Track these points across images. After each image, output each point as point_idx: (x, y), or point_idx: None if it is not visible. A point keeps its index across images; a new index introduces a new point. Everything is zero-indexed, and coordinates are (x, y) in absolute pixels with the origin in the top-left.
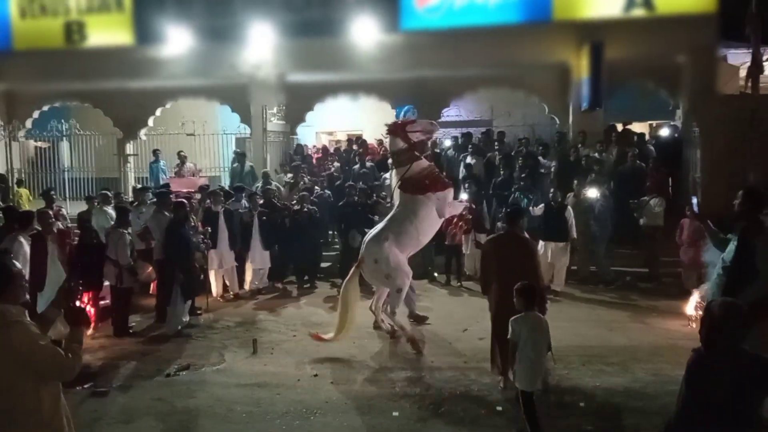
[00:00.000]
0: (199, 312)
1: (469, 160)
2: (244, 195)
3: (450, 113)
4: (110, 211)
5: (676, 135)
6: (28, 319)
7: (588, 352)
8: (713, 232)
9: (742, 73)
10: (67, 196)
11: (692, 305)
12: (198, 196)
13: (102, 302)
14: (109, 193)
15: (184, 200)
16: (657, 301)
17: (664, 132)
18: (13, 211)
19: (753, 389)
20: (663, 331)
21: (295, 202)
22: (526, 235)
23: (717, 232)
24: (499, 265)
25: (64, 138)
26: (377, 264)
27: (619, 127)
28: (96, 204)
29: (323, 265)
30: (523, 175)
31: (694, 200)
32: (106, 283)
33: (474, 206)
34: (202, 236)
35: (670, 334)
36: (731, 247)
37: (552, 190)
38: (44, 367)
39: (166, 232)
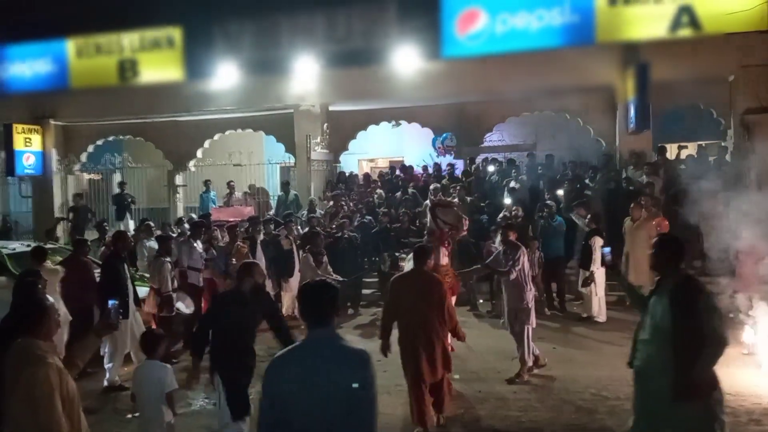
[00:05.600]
0: None
1: (513, 184)
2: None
3: (492, 138)
4: (152, 243)
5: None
6: (57, 358)
7: None
8: (629, 288)
9: None
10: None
11: (748, 333)
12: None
13: None
14: (151, 224)
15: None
16: None
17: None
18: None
19: None
20: (721, 360)
21: (334, 228)
22: (434, 274)
23: (634, 288)
24: (401, 305)
25: (117, 170)
26: None
27: (672, 148)
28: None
29: (365, 291)
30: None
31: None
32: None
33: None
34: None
35: (729, 364)
36: (662, 307)
37: (588, 216)
38: (29, 420)
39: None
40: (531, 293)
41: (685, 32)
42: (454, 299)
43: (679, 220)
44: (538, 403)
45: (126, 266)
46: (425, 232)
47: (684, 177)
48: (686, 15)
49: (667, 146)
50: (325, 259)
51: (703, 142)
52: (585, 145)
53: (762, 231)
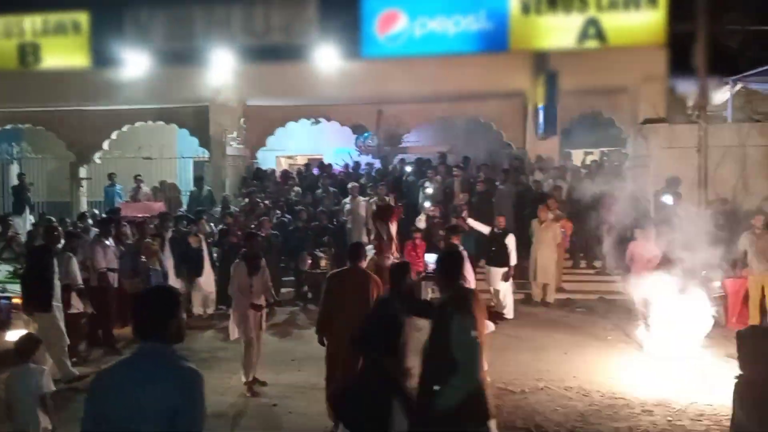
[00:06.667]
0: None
1: (427, 185)
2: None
3: (410, 139)
4: None
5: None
6: None
7: (546, 376)
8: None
9: (690, 102)
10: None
11: (642, 328)
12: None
13: None
14: (52, 219)
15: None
16: (611, 324)
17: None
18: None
19: None
20: (618, 353)
21: (253, 227)
22: (369, 272)
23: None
24: (335, 301)
25: (14, 161)
26: None
27: (576, 154)
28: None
29: (283, 290)
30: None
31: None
32: None
33: None
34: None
35: (625, 357)
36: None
37: (496, 216)
38: None
39: None
40: None
41: (591, 43)
42: None
43: (582, 222)
44: None
45: (54, 261)
46: (372, 237)
47: (587, 181)
48: (593, 27)
49: (573, 152)
50: (263, 263)
51: (605, 149)
52: (497, 149)
53: (655, 233)
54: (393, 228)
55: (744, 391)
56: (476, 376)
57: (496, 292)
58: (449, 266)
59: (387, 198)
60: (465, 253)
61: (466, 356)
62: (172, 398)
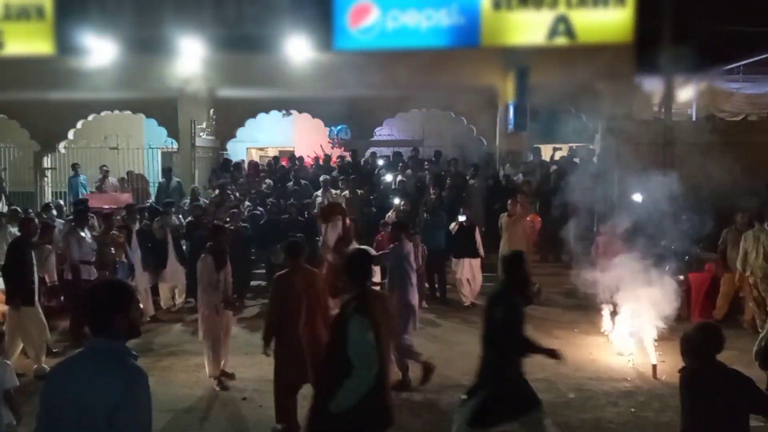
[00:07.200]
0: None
1: (400, 178)
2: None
3: (382, 132)
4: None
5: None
6: None
7: None
8: None
9: (656, 99)
10: None
11: (607, 321)
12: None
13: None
14: (18, 209)
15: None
16: (578, 317)
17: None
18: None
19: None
20: (584, 346)
21: (228, 220)
22: (312, 269)
23: None
24: (291, 305)
25: None
26: None
27: (545, 149)
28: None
29: (253, 283)
30: (432, 196)
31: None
32: None
33: None
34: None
35: (591, 349)
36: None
37: (461, 210)
38: None
39: None
40: (415, 294)
41: (561, 40)
42: None
43: (550, 216)
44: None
45: (33, 252)
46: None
47: (556, 176)
48: (563, 24)
49: (542, 147)
50: (227, 257)
51: (573, 144)
52: (468, 143)
53: (620, 226)
54: (333, 232)
55: (688, 381)
56: (371, 379)
57: (467, 282)
58: (355, 267)
59: (359, 192)
60: (410, 247)
61: (360, 358)
62: (113, 395)
